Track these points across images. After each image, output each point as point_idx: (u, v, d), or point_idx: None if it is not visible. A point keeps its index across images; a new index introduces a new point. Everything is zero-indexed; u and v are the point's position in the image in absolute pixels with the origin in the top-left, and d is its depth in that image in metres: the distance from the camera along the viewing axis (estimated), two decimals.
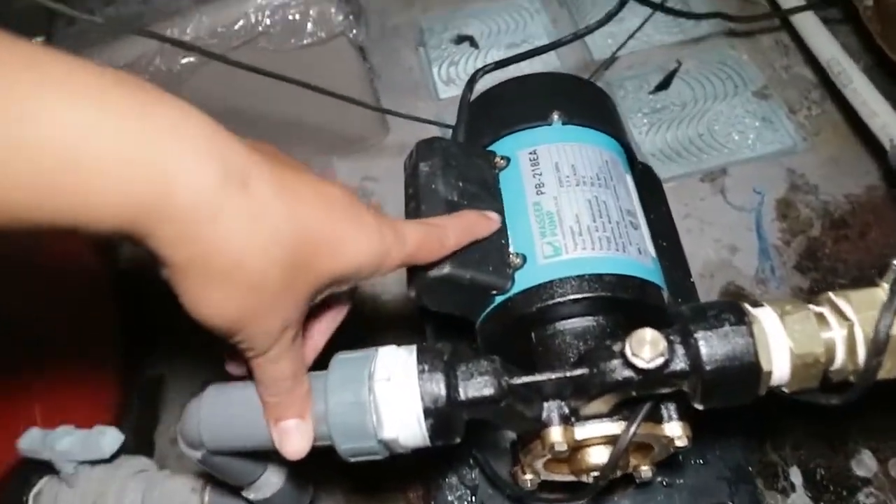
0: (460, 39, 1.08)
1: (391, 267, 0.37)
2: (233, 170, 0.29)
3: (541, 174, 0.49)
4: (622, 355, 0.37)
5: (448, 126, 0.91)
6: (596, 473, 0.43)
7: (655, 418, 0.42)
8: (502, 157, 0.51)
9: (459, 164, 0.49)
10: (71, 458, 0.52)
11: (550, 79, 0.57)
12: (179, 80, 0.82)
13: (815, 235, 0.78)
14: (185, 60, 0.81)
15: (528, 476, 0.46)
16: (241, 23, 0.80)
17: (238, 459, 0.43)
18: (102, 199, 0.26)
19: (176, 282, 0.30)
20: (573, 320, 0.45)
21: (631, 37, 0.95)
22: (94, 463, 0.54)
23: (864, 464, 0.63)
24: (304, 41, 0.81)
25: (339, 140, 0.97)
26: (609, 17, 0.67)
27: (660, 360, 0.36)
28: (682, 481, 0.52)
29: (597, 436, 0.41)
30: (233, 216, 0.29)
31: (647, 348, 0.36)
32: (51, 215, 0.26)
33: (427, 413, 0.36)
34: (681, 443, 0.41)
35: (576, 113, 0.52)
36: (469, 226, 0.44)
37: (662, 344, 0.36)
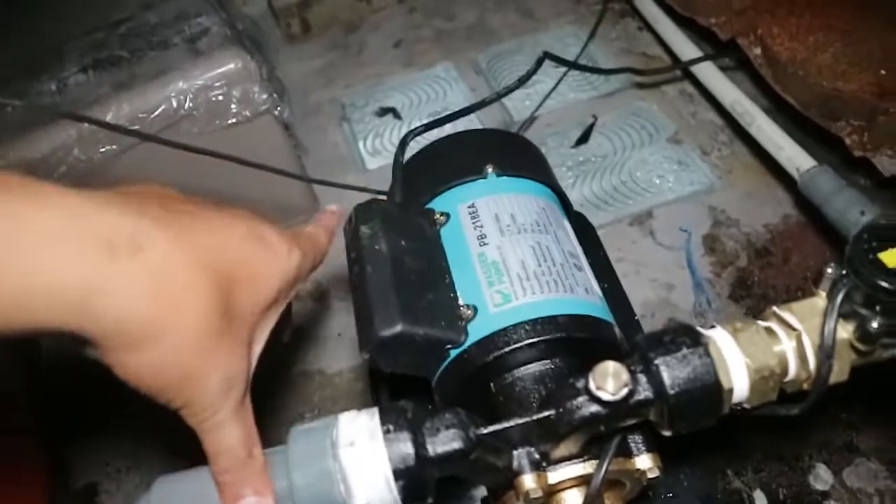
0: (383, 112, 1.11)
1: (301, 282, 0.38)
2: (116, 240, 0.28)
3: (482, 226, 0.49)
4: (587, 391, 0.37)
5: (377, 192, 0.92)
6: None
7: (625, 453, 0.41)
8: (442, 214, 0.51)
9: (400, 223, 0.49)
10: None
11: (480, 135, 0.59)
12: (99, 168, 0.80)
13: (742, 265, 0.81)
14: (104, 149, 0.79)
15: None
16: (162, 107, 0.80)
17: None
18: None
19: (104, 357, 0.30)
20: (531, 366, 0.44)
21: (547, 96, 1.00)
22: None
23: (821, 478, 0.64)
24: (229, 121, 0.81)
25: (267, 218, 0.96)
26: (529, 76, 0.69)
27: (624, 391, 0.36)
28: None
29: (570, 478, 0.40)
30: (133, 284, 0.28)
31: (610, 380, 0.36)
32: None
33: (397, 475, 0.35)
34: (652, 474, 0.41)
35: (508, 165, 0.53)
36: (329, 224, 0.46)
37: (625, 375, 0.36)
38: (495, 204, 0.51)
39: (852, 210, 0.64)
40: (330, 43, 1.30)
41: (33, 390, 0.76)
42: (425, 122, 0.66)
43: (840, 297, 0.36)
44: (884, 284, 0.35)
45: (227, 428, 0.33)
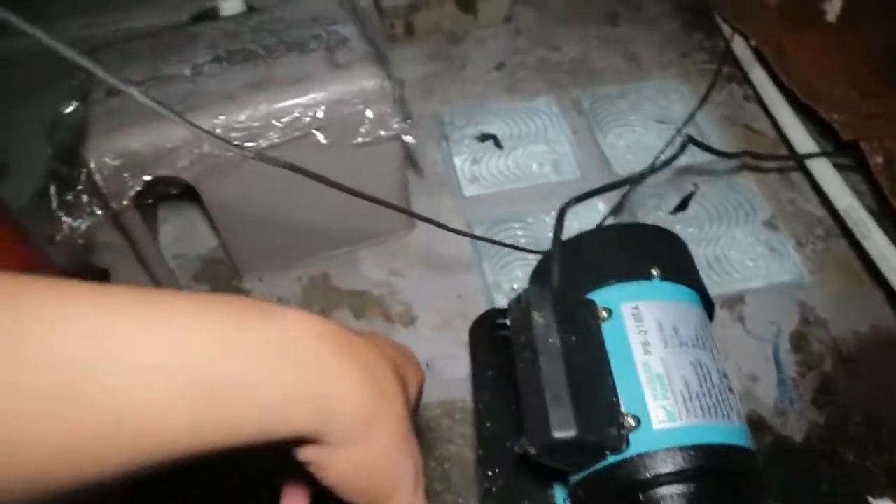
0: (484, 137, 1.12)
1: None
2: (339, 339, 0.31)
3: (646, 332, 0.51)
4: None
5: (478, 238, 0.93)
6: None
7: None
8: (604, 309, 0.53)
9: (568, 315, 0.51)
10: None
11: (646, 231, 0.60)
12: (226, 166, 0.81)
13: (827, 371, 0.83)
14: (233, 150, 0.80)
15: None
16: (296, 114, 0.81)
17: None
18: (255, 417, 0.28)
19: (323, 457, 0.31)
20: (682, 485, 0.46)
21: (656, 162, 1.00)
22: None
23: None
24: (358, 140, 0.82)
25: (366, 232, 0.97)
26: (673, 158, 0.71)
27: None
28: None
29: None
30: (357, 380, 0.31)
31: None
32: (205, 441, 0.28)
33: None
34: None
35: (672, 270, 0.54)
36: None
37: None
38: (659, 311, 0.52)
39: None
40: (432, 51, 1.31)
41: None
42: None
43: None
44: None
45: None
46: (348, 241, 0.97)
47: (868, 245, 0.80)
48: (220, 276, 0.96)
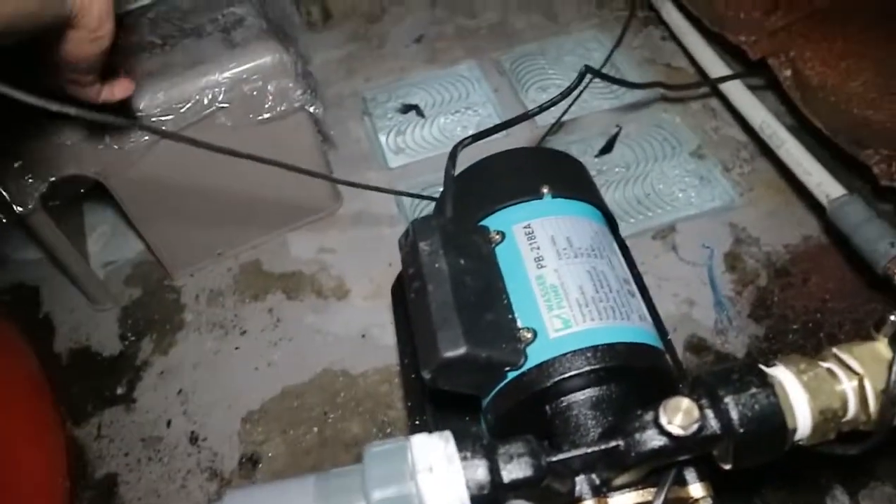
0: (406, 109, 1.11)
1: None
2: None
3: (539, 248, 0.50)
4: (657, 425, 0.38)
5: (401, 194, 0.92)
6: None
7: (680, 481, 0.42)
8: (497, 232, 0.52)
9: (457, 241, 0.50)
10: None
11: (534, 154, 0.59)
12: (131, 158, 0.79)
13: (763, 285, 0.83)
14: (135, 139, 0.78)
15: None
16: (196, 98, 0.79)
17: None
18: None
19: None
20: (587, 391, 0.45)
21: (572, 104, 1.00)
22: None
23: (837, 499, 0.66)
24: (263, 116, 0.81)
25: (292, 214, 0.96)
26: (570, 90, 0.70)
27: (694, 427, 0.37)
28: None
29: None
30: None
31: (681, 416, 0.37)
32: None
33: (473, 501, 0.36)
34: (706, 502, 0.42)
35: (563, 186, 0.54)
36: None
37: (696, 411, 0.37)
38: (551, 226, 0.51)
39: (882, 241, 0.65)
40: (351, 33, 1.29)
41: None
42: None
43: None
44: None
45: None
46: (274, 224, 0.95)
47: (783, 154, 0.80)
48: (151, 278, 0.94)
